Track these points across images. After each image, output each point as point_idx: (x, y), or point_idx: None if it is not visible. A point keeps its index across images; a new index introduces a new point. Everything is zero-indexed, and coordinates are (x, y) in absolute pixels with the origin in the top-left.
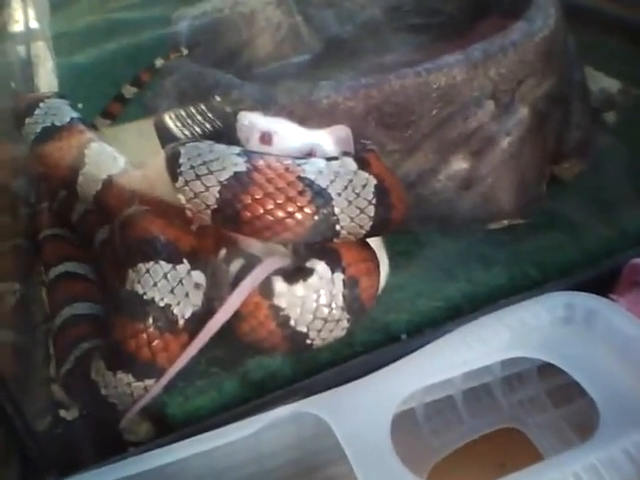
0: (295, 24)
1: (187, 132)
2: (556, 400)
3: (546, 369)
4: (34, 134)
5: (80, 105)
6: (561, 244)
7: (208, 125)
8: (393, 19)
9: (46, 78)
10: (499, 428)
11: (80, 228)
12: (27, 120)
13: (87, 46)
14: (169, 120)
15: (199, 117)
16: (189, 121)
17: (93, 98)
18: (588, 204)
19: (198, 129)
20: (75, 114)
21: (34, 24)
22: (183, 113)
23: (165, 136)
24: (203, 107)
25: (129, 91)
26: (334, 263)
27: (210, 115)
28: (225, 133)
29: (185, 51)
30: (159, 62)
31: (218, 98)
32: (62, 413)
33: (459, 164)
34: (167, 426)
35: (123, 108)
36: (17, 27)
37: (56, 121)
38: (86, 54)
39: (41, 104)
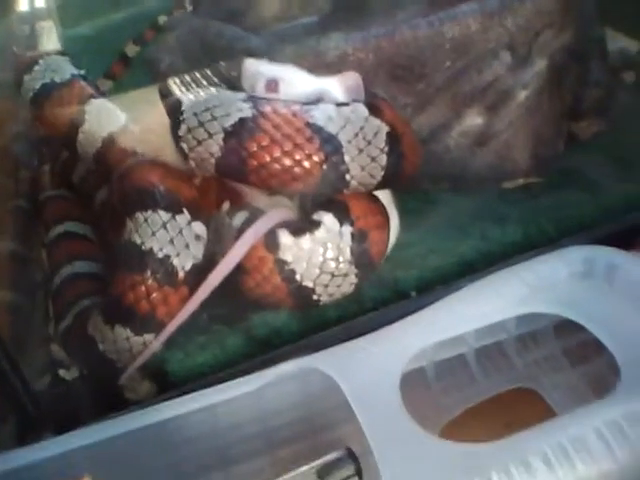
0: None
1: (192, 97)
2: (573, 359)
3: (562, 327)
4: (32, 90)
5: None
6: (579, 201)
7: (213, 89)
8: None
9: (51, 49)
10: (513, 388)
11: (81, 189)
12: (26, 77)
13: (92, 16)
14: (173, 84)
15: (204, 81)
16: (193, 85)
17: (98, 68)
18: (607, 162)
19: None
20: (76, 71)
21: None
22: (187, 78)
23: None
24: (208, 72)
25: (132, 50)
26: (342, 215)
27: (215, 80)
28: None
29: (189, 7)
30: (162, 19)
31: (223, 63)
32: (61, 373)
33: (473, 119)
34: (168, 384)
35: (126, 68)
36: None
37: (56, 77)
38: (91, 24)
39: (40, 61)
